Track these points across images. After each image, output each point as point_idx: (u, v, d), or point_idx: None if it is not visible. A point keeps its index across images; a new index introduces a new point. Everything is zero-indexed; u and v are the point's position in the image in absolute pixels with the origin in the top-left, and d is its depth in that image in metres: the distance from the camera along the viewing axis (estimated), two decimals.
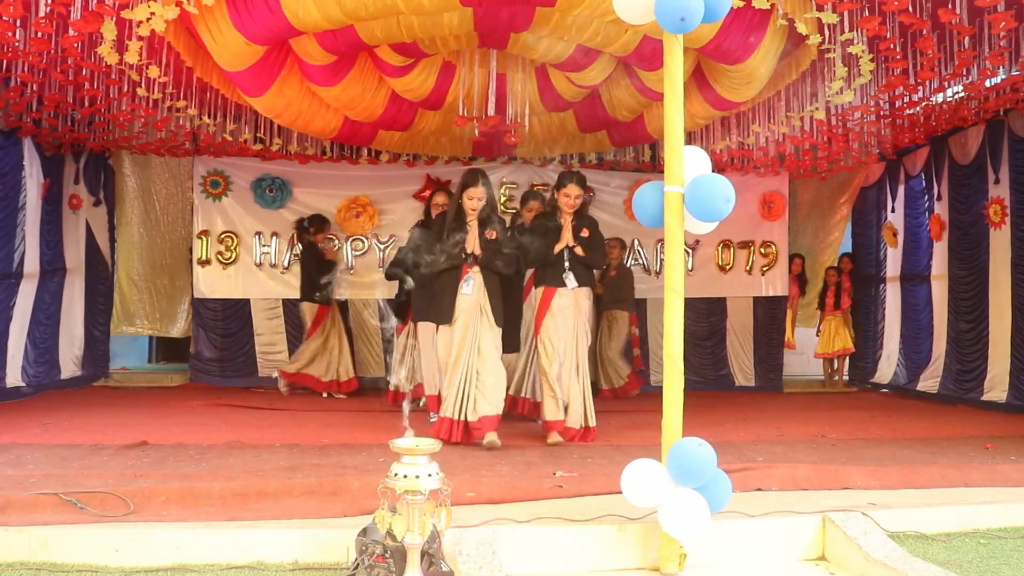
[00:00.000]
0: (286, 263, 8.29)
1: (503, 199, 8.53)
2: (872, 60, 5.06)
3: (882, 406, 7.39)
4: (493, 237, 4.92)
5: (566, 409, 5.14)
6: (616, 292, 7.72)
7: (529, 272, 5.54)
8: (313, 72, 5.44)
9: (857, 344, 8.90)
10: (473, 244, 4.90)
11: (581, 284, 5.18)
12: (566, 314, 5.14)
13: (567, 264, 5.15)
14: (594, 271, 5.58)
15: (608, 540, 3.00)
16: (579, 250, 5.19)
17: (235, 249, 8.26)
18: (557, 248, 5.17)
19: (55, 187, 7.24)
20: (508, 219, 6.25)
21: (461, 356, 4.82)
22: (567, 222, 5.22)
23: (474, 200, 4.90)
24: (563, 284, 5.13)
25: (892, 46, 4.73)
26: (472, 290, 4.84)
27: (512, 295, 5.14)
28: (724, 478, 2.88)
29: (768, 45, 4.72)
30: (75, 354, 7.82)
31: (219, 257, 8.24)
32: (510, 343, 5.11)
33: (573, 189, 5.20)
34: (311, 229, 7.58)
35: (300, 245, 7.78)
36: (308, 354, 7.43)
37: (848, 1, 4.27)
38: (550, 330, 5.12)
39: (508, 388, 5.76)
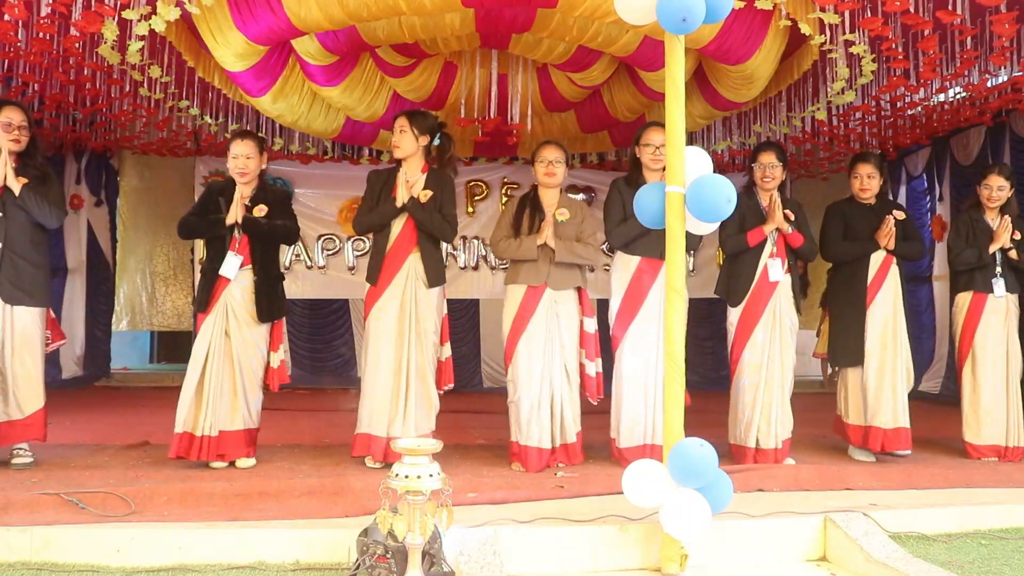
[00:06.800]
0: (287, 263, 8.28)
1: (504, 199, 8.51)
2: (874, 60, 5.05)
3: None
4: None
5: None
6: None
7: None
8: (315, 72, 5.44)
9: None
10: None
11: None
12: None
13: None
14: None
15: (610, 540, 3.01)
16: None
17: None
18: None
19: None
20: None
21: None
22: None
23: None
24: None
25: (894, 46, 4.72)
26: None
27: None
28: (725, 479, 2.88)
29: (770, 45, 4.72)
30: (76, 354, 7.82)
31: None
32: None
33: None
34: None
35: None
36: None
37: (850, 1, 4.27)
38: None
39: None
